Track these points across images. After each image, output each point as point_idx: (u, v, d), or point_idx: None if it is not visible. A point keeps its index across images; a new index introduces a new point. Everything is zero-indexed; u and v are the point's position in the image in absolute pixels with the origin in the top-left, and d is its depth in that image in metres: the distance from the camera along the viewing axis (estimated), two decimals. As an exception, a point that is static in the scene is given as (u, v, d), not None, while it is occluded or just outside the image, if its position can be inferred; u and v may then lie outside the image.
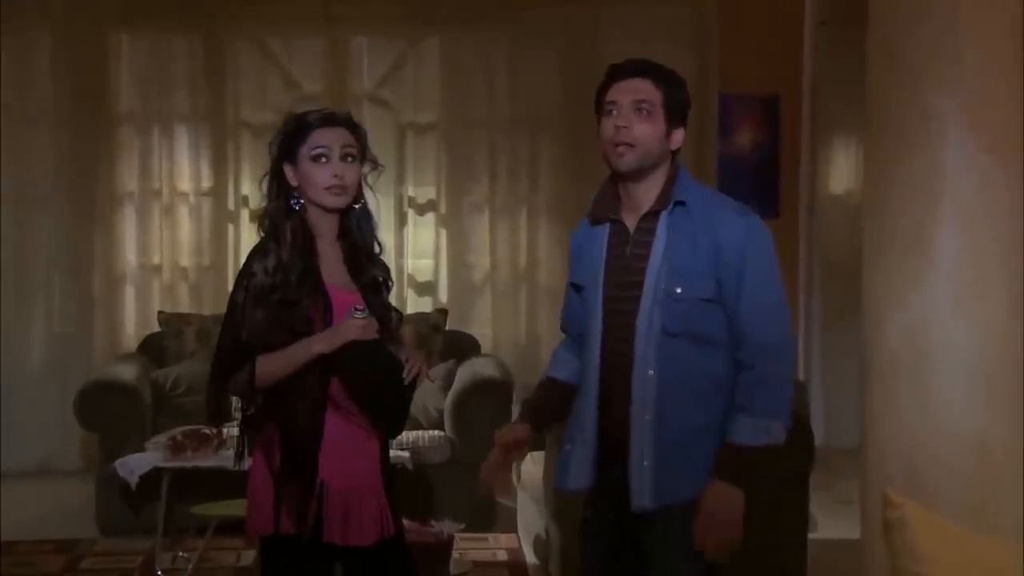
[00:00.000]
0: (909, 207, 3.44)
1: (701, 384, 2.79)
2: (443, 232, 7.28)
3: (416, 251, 7.36)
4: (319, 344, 2.77)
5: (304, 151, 2.84)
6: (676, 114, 2.84)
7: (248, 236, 7.06)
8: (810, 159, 7.32)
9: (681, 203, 2.82)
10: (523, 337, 7.26)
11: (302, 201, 2.86)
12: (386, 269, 2.99)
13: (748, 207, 2.86)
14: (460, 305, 7.16)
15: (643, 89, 2.82)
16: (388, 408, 2.87)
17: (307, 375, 2.79)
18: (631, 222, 2.88)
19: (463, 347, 6.61)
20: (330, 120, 2.87)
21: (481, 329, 7.13)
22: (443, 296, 7.26)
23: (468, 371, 6.16)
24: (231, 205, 7.17)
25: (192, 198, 7.19)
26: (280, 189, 2.87)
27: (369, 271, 2.94)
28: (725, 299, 2.78)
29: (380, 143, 7.46)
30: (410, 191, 7.32)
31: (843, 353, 6.90)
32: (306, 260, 2.82)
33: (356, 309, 2.81)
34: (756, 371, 2.74)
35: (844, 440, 6.66)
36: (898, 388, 3.45)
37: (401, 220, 7.29)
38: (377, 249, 2.98)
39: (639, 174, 2.84)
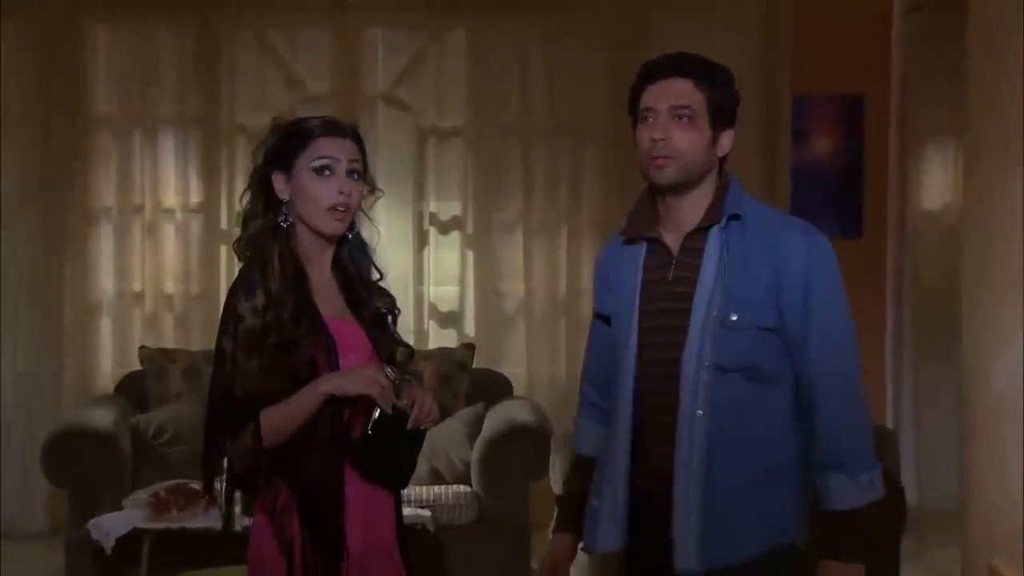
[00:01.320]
0: (1018, 228, 3.41)
1: (759, 427, 2.80)
2: (469, 254, 7.29)
3: (438, 276, 7.37)
4: (327, 384, 2.76)
5: (303, 161, 2.83)
6: (722, 116, 2.86)
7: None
8: (899, 169, 7.29)
9: (736, 217, 2.83)
10: (563, 376, 7.24)
11: (290, 219, 2.86)
12: (390, 298, 2.99)
13: (810, 225, 2.88)
14: (489, 339, 7.17)
15: (682, 92, 2.84)
16: (395, 463, 2.86)
17: (320, 423, 2.78)
18: (673, 241, 2.89)
19: (493, 388, 6.62)
20: (336, 128, 2.88)
21: (514, 367, 7.13)
22: (469, 329, 7.27)
23: (499, 416, 6.15)
24: (224, 223, 7.18)
25: (179, 215, 7.21)
26: (267, 204, 2.87)
27: (370, 303, 2.94)
28: (787, 330, 2.79)
29: (397, 151, 7.53)
30: (431, 207, 7.34)
31: (939, 396, 6.86)
32: (298, 291, 2.81)
33: (387, 368, 2.80)
34: (838, 418, 2.75)
35: (941, 500, 6.60)
36: (1005, 438, 3.42)
37: (421, 240, 7.31)
38: (376, 276, 2.98)
39: (682, 187, 2.85)
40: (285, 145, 2.85)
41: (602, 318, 3.02)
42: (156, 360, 6.58)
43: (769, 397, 2.80)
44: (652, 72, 2.88)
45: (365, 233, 2.98)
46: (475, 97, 7.26)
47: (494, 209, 7.29)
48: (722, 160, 2.90)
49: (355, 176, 2.86)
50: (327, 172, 2.83)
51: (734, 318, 2.78)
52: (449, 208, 7.36)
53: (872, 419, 2.86)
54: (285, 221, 2.85)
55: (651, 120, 2.84)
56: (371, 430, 2.77)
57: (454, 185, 7.33)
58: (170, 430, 6.16)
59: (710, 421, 2.78)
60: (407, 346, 3.02)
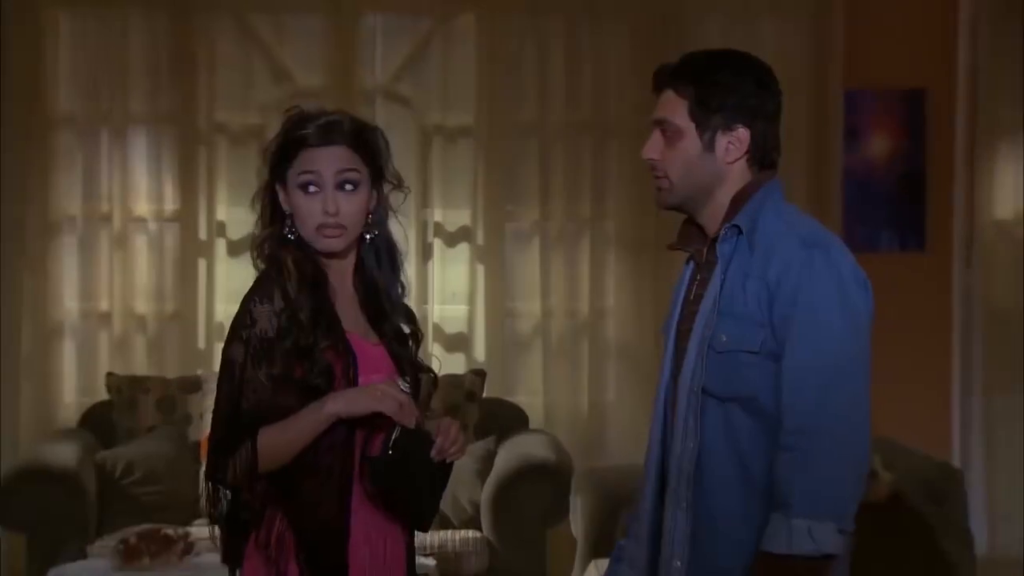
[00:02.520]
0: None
1: (756, 466, 2.81)
2: (480, 269, 7.31)
3: (444, 294, 7.37)
4: (334, 403, 2.78)
5: (292, 174, 2.89)
6: (716, 116, 2.90)
7: (226, 274, 7.10)
8: (967, 174, 7.28)
9: (736, 228, 2.88)
10: (584, 407, 7.25)
11: (296, 231, 2.91)
12: (413, 317, 3.03)
13: (828, 235, 2.89)
14: (502, 365, 7.18)
15: (664, 105, 2.93)
16: (416, 493, 2.86)
17: (324, 447, 2.80)
18: (704, 254, 2.97)
19: (506, 420, 6.65)
20: (327, 135, 2.89)
21: (529, 397, 7.14)
22: (479, 353, 7.28)
23: (512, 452, 6.17)
24: (203, 234, 7.18)
25: (152, 224, 7.19)
26: (275, 214, 2.92)
27: (393, 320, 2.98)
28: (780, 352, 2.80)
29: (398, 153, 7.39)
30: (436, 215, 7.35)
31: (1013, 434, 6.85)
32: (317, 294, 2.84)
33: (403, 379, 2.83)
34: (795, 452, 2.73)
35: (1014, 548, 6.59)
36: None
37: (425, 253, 7.31)
38: (400, 290, 3.02)
39: (691, 206, 2.94)
40: (278, 154, 2.91)
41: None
42: (126, 389, 6.61)
43: (768, 434, 2.80)
44: (653, 84, 2.97)
45: (394, 236, 3.03)
46: (486, 92, 7.27)
47: (507, 218, 7.31)
48: (754, 162, 2.94)
49: (349, 187, 2.89)
50: (312, 188, 2.87)
51: (723, 339, 2.83)
52: (456, 217, 7.37)
53: (864, 464, 2.81)
54: (292, 233, 2.90)
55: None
56: (391, 449, 2.78)
57: (462, 191, 7.34)
58: (141, 468, 6.17)
59: (701, 455, 2.83)
60: (431, 371, 3.05)
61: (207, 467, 2.83)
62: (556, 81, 7.29)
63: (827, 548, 2.71)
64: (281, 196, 2.90)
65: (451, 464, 2.89)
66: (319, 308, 2.83)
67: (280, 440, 2.77)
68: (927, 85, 7.29)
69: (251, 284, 2.88)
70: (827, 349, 2.77)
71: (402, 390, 2.81)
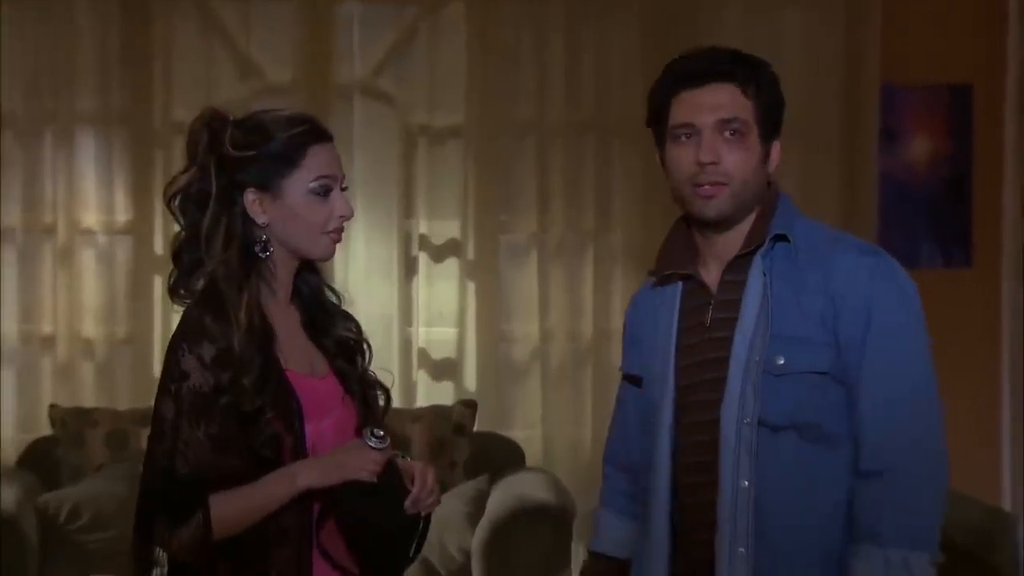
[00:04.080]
0: None
1: (821, 499, 2.84)
2: (470, 286, 7.31)
3: (430, 314, 7.38)
4: (307, 476, 2.80)
5: (298, 179, 2.92)
6: (773, 126, 2.94)
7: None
8: (1018, 179, 7.29)
9: (782, 238, 2.88)
10: (587, 442, 7.25)
11: (271, 249, 2.92)
12: (354, 323, 3.07)
13: (874, 245, 2.94)
14: (495, 395, 7.18)
15: (729, 102, 2.91)
16: (385, 552, 2.90)
17: (284, 511, 2.82)
18: (714, 277, 2.95)
19: (500, 457, 6.64)
20: (324, 132, 2.98)
21: (526, 431, 7.15)
22: (470, 382, 7.28)
23: (507, 493, 6.15)
24: (159, 248, 7.17)
25: (101, 237, 7.22)
26: (231, 235, 2.90)
27: (334, 330, 3.02)
28: (848, 373, 2.83)
29: (378, 156, 7.50)
30: (422, 227, 7.36)
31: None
32: (264, 350, 2.85)
33: (373, 434, 2.84)
34: (884, 479, 2.78)
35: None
36: None
37: (408, 268, 7.32)
38: (336, 299, 3.09)
39: (740, 215, 2.93)
40: (263, 157, 2.90)
41: (631, 380, 3.04)
42: (71, 422, 6.60)
43: (833, 463, 2.84)
44: (685, 76, 2.94)
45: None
46: (477, 88, 7.28)
47: (501, 229, 7.32)
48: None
49: (344, 184, 3.01)
50: (327, 191, 2.95)
51: (781, 362, 2.84)
52: (444, 228, 7.37)
53: (946, 492, 2.86)
54: (265, 251, 2.91)
55: (690, 138, 2.91)
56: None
57: (450, 199, 7.34)
58: (88, 512, 6.14)
59: (759, 494, 2.83)
60: (384, 388, 3.08)
61: (138, 532, 2.83)
62: (555, 76, 7.29)
63: None
64: (255, 208, 2.91)
65: (428, 516, 2.92)
66: (266, 366, 2.83)
67: (239, 512, 2.79)
68: (973, 80, 7.30)
69: (181, 323, 2.89)
70: (914, 369, 2.84)
71: (376, 448, 2.83)
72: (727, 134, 2.89)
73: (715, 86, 2.90)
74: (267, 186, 2.91)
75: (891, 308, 2.82)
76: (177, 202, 2.97)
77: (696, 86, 2.91)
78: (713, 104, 2.89)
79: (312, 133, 2.94)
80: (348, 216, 2.96)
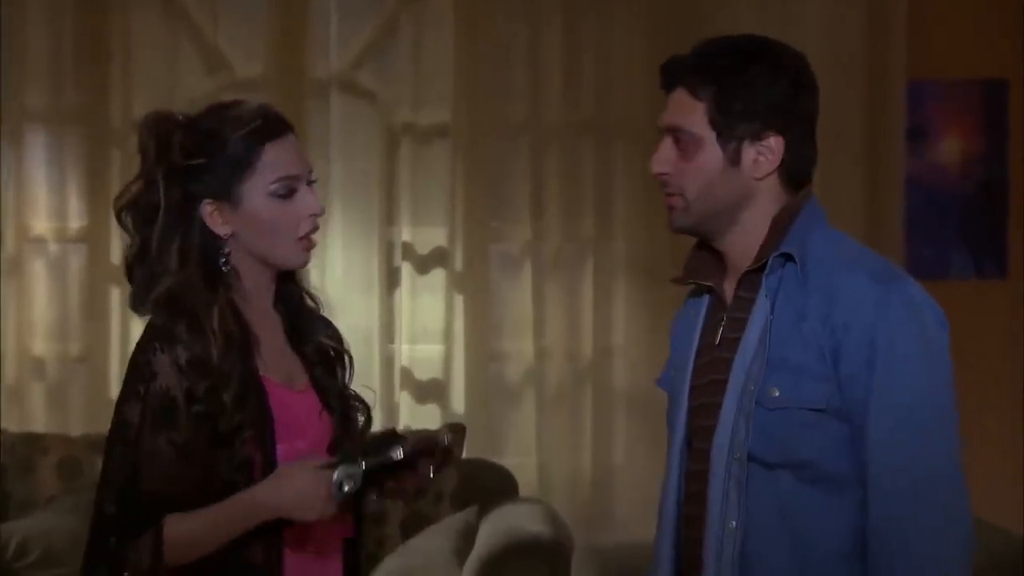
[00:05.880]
0: None
1: (819, 549, 2.80)
2: (458, 300, 7.31)
3: (414, 330, 7.38)
4: (276, 507, 2.80)
5: (256, 183, 2.92)
6: (743, 123, 2.88)
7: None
8: (1058, 183, 7.30)
9: (787, 257, 2.85)
10: (586, 471, 7.27)
11: (231, 263, 2.93)
12: (335, 330, 3.09)
13: (895, 268, 2.88)
14: (486, 418, 7.19)
15: (675, 108, 2.94)
16: None
17: (246, 537, 2.83)
18: (730, 290, 2.95)
19: (490, 486, 6.62)
20: (279, 123, 2.97)
21: (519, 458, 7.15)
22: (458, 404, 7.28)
23: (499, 526, 6.14)
24: (116, 257, 7.11)
25: (53, 245, 7.23)
26: (186, 251, 2.90)
27: (315, 337, 3.04)
28: (854, 411, 2.78)
29: (358, 157, 7.50)
30: (405, 234, 7.36)
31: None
32: (246, 363, 2.86)
33: (346, 481, 2.84)
34: (891, 536, 2.73)
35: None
36: None
37: (391, 280, 7.33)
38: (315, 304, 3.11)
39: (712, 229, 2.93)
40: (216, 164, 2.91)
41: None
42: (19, 449, 6.59)
43: (835, 508, 2.79)
44: (662, 82, 2.99)
45: None
46: (466, 84, 7.28)
47: (492, 238, 7.33)
48: (792, 178, 2.93)
49: (312, 177, 3.00)
50: (288, 192, 2.94)
51: (776, 394, 2.80)
52: (430, 236, 7.38)
53: (971, 539, 2.81)
54: (227, 264, 2.92)
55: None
56: None
57: (436, 205, 7.35)
58: (38, 547, 6.13)
59: (746, 538, 2.81)
60: (364, 405, 3.11)
61: (88, 553, 2.84)
62: (552, 71, 7.30)
63: None
64: (214, 219, 2.91)
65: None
66: (246, 378, 2.84)
67: (200, 535, 2.80)
68: (1008, 74, 7.30)
69: (149, 325, 2.89)
70: (918, 407, 2.77)
71: (339, 492, 2.83)
72: (678, 143, 2.91)
73: (674, 92, 2.94)
74: (224, 195, 2.91)
75: (901, 342, 2.76)
76: (128, 215, 2.99)
77: (667, 91, 2.97)
78: (669, 108, 2.93)
79: (266, 129, 2.93)
80: (318, 213, 2.95)
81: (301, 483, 2.80)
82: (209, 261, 2.91)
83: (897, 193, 7.16)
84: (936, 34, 7.17)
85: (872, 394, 2.75)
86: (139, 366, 2.82)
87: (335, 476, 2.82)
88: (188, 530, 2.77)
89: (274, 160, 2.91)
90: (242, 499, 2.78)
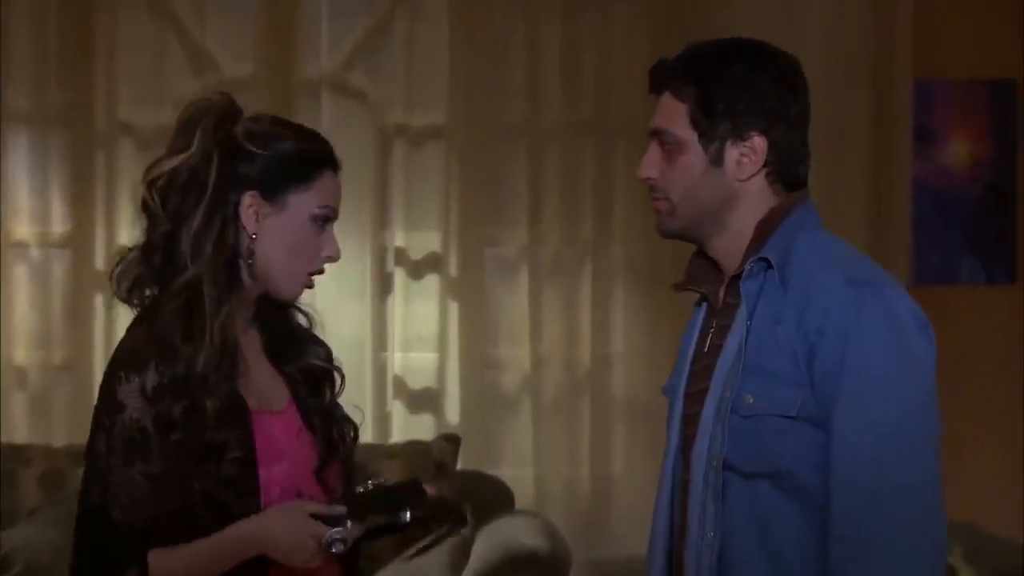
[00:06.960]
0: None
1: (797, 562, 2.79)
2: (453, 306, 7.31)
3: (407, 338, 7.39)
4: (262, 544, 2.78)
5: (304, 199, 2.92)
6: (724, 123, 2.90)
7: (129, 313, 7.01)
8: (1068, 185, 7.31)
9: (765, 262, 2.85)
10: (584, 482, 7.27)
11: (254, 263, 2.90)
12: (326, 349, 3.06)
13: (879, 272, 2.86)
14: (481, 429, 7.19)
15: (660, 111, 2.98)
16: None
17: (233, 570, 2.82)
18: (722, 295, 2.97)
19: (486, 499, 6.63)
20: (336, 160, 3.00)
21: (516, 469, 7.15)
22: (452, 414, 7.28)
23: (494, 540, 6.15)
24: (100, 263, 7.16)
25: (35, 251, 7.23)
26: (223, 238, 2.87)
27: (300, 358, 3.01)
28: (826, 418, 2.77)
29: (349, 159, 7.41)
30: (398, 239, 7.37)
31: None
32: (232, 376, 2.84)
33: (336, 539, 2.81)
34: (853, 546, 2.71)
35: None
36: None
37: (383, 286, 7.33)
38: (308, 320, 3.08)
39: (698, 235, 2.95)
40: (278, 161, 2.90)
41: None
42: (1, 461, 6.58)
43: (812, 520, 2.77)
44: (649, 85, 3.04)
45: None
46: (461, 84, 7.29)
47: (488, 242, 7.34)
48: (783, 181, 2.94)
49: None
50: (326, 224, 2.96)
51: (750, 401, 2.81)
52: (423, 241, 7.39)
53: (941, 554, 2.77)
54: (253, 265, 2.89)
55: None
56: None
57: (431, 208, 7.36)
58: (20, 561, 6.12)
59: (724, 549, 2.82)
60: (351, 422, 3.07)
61: None
62: (550, 70, 7.31)
63: None
64: (249, 214, 2.89)
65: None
66: (232, 395, 2.82)
67: (184, 570, 2.77)
68: (1016, 75, 7.31)
69: (125, 338, 2.86)
70: (886, 414, 2.73)
71: (332, 542, 2.81)
72: (663, 146, 2.94)
73: (661, 97, 2.99)
74: (271, 194, 2.89)
75: (868, 347, 2.72)
76: (163, 188, 2.88)
77: (655, 94, 3.01)
78: (655, 115, 2.98)
79: (330, 157, 2.96)
80: (335, 258, 2.95)
81: (292, 529, 2.79)
82: (236, 256, 2.88)
83: (904, 196, 7.17)
84: (943, 34, 7.17)
85: (839, 401, 2.73)
86: (103, 395, 2.79)
87: (327, 535, 2.80)
88: (170, 568, 2.76)
89: (327, 187, 2.93)
90: (229, 535, 2.77)
